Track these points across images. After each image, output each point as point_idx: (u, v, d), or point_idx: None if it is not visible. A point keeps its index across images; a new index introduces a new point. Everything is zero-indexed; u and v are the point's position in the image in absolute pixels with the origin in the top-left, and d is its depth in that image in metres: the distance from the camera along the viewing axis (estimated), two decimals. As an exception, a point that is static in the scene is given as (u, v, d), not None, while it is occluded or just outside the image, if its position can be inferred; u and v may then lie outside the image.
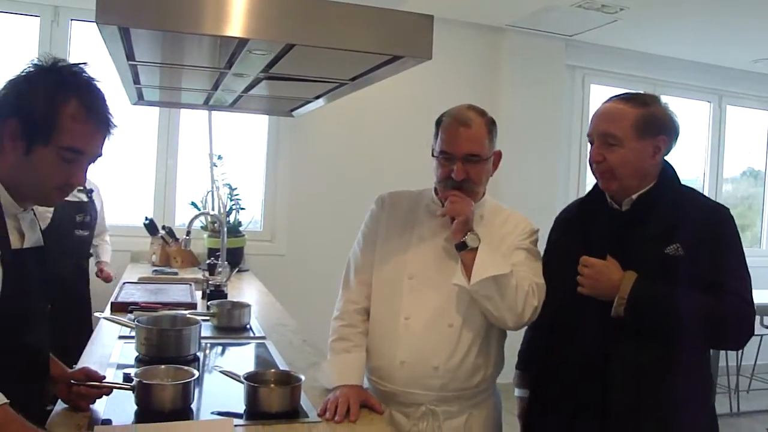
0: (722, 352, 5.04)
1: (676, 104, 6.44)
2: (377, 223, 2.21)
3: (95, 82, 1.56)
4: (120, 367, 2.20)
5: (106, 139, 1.57)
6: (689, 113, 6.50)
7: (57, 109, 1.47)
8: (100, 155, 1.58)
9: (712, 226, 1.93)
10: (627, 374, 1.92)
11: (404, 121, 5.08)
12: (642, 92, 2.07)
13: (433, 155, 2.14)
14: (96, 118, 1.52)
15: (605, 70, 5.97)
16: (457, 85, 5.19)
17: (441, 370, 2.03)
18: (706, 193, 6.35)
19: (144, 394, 1.80)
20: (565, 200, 5.67)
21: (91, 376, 1.83)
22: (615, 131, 1.94)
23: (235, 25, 1.55)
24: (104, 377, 1.87)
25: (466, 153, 2.04)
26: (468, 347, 2.05)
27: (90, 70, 1.58)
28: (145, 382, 1.81)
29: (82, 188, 2.96)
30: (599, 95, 6.01)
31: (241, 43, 1.68)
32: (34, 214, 1.63)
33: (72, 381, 1.80)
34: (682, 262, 1.88)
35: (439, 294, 2.05)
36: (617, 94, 2.05)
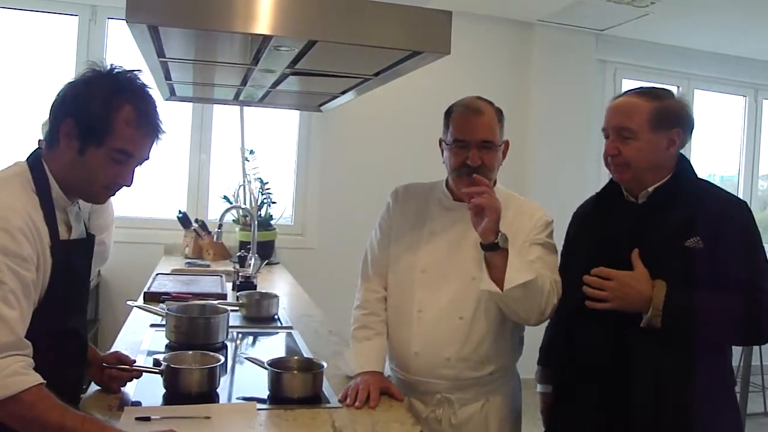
0: (755, 353, 4.96)
1: (709, 99, 6.34)
2: (392, 216, 2.26)
3: (148, 89, 1.65)
4: (150, 353, 2.27)
5: (155, 143, 1.66)
6: (724, 108, 6.43)
7: (112, 114, 1.55)
8: (148, 158, 1.67)
9: (731, 219, 1.93)
10: (646, 368, 1.93)
11: (434, 116, 5.06)
12: (655, 86, 2.09)
13: (442, 146, 2.18)
14: (147, 124, 1.61)
15: (637, 65, 5.91)
16: (487, 80, 5.20)
17: (453, 360, 2.07)
18: (741, 190, 6.35)
19: (172, 378, 1.87)
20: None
21: (122, 360, 1.92)
22: (630, 124, 1.97)
23: (259, 23, 1.61)
24: (134, 361, 1.95)
25: (480, 140, 2.07)
26: (480, 338, 2.08)
27: (143, 77, 1.66)
28: (173, 366, 1.88)
29: None
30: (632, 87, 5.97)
31: (266, 39, 1.74)
32: (79, 207, 1.72)
33: (104, 364, 1.88)
34: (702, 255, 1.88)
35: (450, 287, 2.09)
36: (631, 89, 2.07)
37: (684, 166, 2.05)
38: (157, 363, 1.99)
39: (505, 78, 5.46)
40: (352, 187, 5.18)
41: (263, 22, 1.62)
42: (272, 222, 4.79)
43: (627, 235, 2.00)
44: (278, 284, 3.92)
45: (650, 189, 2.00)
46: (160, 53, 2.02)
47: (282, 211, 5.06)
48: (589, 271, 2.01)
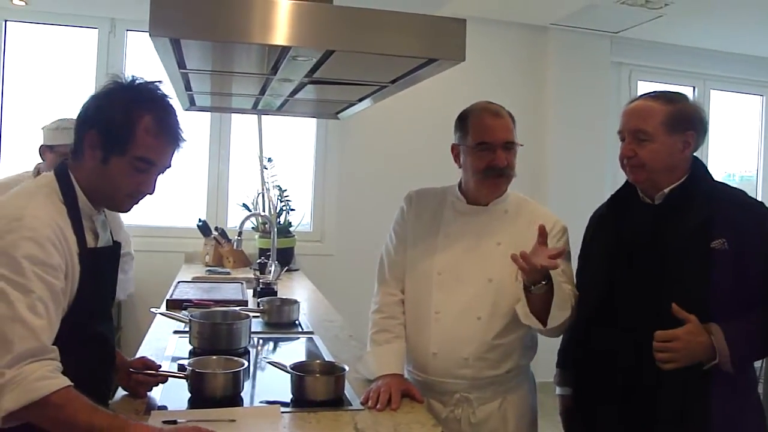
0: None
1: (726, 99, 6.32)
2: (406, 221, 2.30)
3: (168, 99, 1.70)
4: (174, 359, 2.32)
5: (176, 152, 1.70)
6: (740, 107, 6.40)
7: (133, 123, 1.60)
8: (169, 167, 1.71)
9: (755, 221, 1.96)
10: (661, 370, 1.95)
11: (450, 121, 5.11)
12: (670, 90, 2.13)
13: (456, 151, 2.23)
14: (168, 133, 1.66)
15: (652, 66, 5.91)
16: (502, 85, 5.23)
17: (471, 360, 2.11)
18: (759, 190, 6.31)
19: (197, 382, 1.91)
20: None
21: (148, 365, 1.96)
22: (645, 127, 2.00)
23: (278, 34, 1.65)
24: (160, 366, 1.99)
25: (504, 141, 2.12)
26: (496, 338, 2.12)
27: (164, 88, 1.71)
28: (198, 371, 1.92)
29: None
30: (647, 91, 5.96)
31: (285, 50, 1.77)
32: (105, 215, 1.77)
33: (131, 369, 1.93)
34: (728, 257, 1.90)
35: (467, 288, 2.12)
36: (645, 92, 2.11)
37: (699, 168, 2.07)
38: (182, 368, 2.04)
39: (520, 82, 5.48)
40: (369, 193, 5.22)
41: (282, 34, 1.65)
42: (291, 229, 4.84)
43: (643, 235, 2.03)
44: (298, 290, 3.96)
45: (666, 190, 2.03)
46: (181, 65, 2.06)
47: (301, 218, 5.11)
48: (605, 273, 2.04)
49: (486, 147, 2.12)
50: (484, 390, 2.14)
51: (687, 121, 2.01)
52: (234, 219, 5.03)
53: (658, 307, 1.94)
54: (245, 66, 2.14)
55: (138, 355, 2.18)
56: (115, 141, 1.60)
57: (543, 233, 1.95)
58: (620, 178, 6.16)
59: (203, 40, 1.70)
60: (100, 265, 1.68)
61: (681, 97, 2.08)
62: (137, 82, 1.67)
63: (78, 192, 1.64)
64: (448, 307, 2.14)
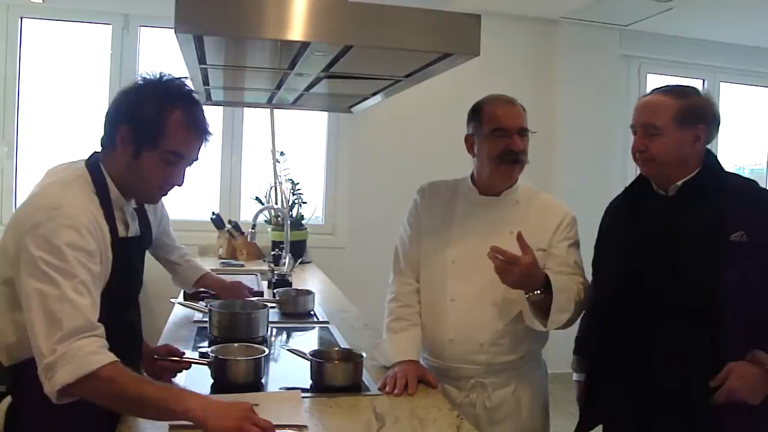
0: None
1: (735, 91, 6.31)
2: (420, 212, 2.35)
3: (195, 95, 1.77)
4: (195, 348, 2.38)
5: (203, 145, 1.77)
6: (750, 99, 6.41)
7: (163, 118, 1.66)
8: (197, 159, 1.78)
9: None
10: (675, 357, 1.99)
11: (461, 114, 5.13)
12: (681, 84, 2.17)
13: (471, 141, 2.28)
14: (196, 127, 1.72)
15: (661, 59, 5.92)
16: (512, 78, 5.25)
17: (486, 345, 2.17)
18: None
19: (220, 369, 1.97)
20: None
21: (172, 351, 2.03)
22: (656, 121, 2.05)
23: (298, 30, 1.70)
24: (184, 353, 2.05)
25: (519, 127, 2.19)
26: (511, 324, 2.18)
27: (190, 84, 1.78)
28: (221, 357, 1.98)
29: None
30: (657, 84, 5.97)
31: (304, 46, 1.82)
32: (135, 206, 1.83)
33: (156, 356, 1.99)
34: (748, 249, 1.94)
35: (481, 276, 2.17)
36: (658, 87, 2.15)
37: (711, 160, 2.12)
38: (204, 355, 2.10)
39: (530, 75, 5.51)
40: (381, 186, 5.26)
41: (302, 30, 1.70)
42: (303, 222, 4.89)
43: (657, 227, 2.07)
44: (311, 282, 4.02)
45: (679, 183, 2.07)
46: (202, 60, 2.12)
47: (313, 212, 5.16)
48: (620, 264, 2.08)
49: (502, 133, 2.18)
50: (498, 375, 2.20)
51: (697, 116, 2.05)
52: (246, 212, 5.09)
53: (673, 298, 1.98)
54: (264, 61, 2.19)
55: (160, 344, 2.25)
56: (147, 135, 1.66)
57: (521, 242, 2.00)
58: (629, 170, 6.22)
59: (226, 37, 1.75)
60: (130, 254, 1.75)
61: (692, 91, 2.12)
62: (165, 78, 1.73)
63: (109, 184, 1.70)
64: (463, 294, 2.20)
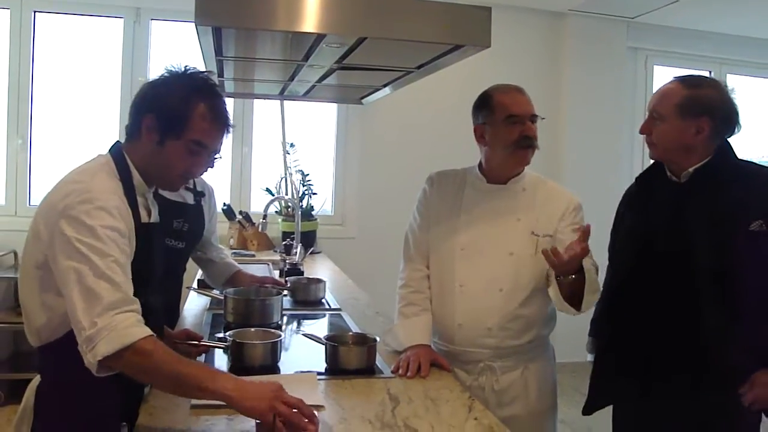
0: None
1: (742, 83, 6.31)
2: (429, 201, 2.41)
3: (217, 88, 1.83)
4: (211, 334, 2.44)
5: (225, 137, 1.83)
6: (757, 91, 6.42)
7: (189, 110, 1.72)
8: (219, 151, 1.84)
9: None
10: (689, 337, 2.04)
11: (468, 106, 5.20)
12: (700, 75, 2.19)
13: (481, 131, 2.32)
14: (220, 119, 1.78)
15: (668, 51, 5.95)
16: (519, 71, 5.27)
17: (495, 329, 2.22)
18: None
19: (237, 352, 2.02)
20: (630, 182, 5.72)
21: (191, 336, 2.09)
22: (660, 108, 2.11)
23: (315, 22, 1.75)
24: (202, 337, 2.11)
25: (531, 113, 2.25)
26: (518, 308, 2.23)
27: (214, 78, 1.85)
28: (238, 341, 2.04)
29: (190, 187, 2.68)
30: (663, 76, 6.01)
31: (319, 37, 1.87)
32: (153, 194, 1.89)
33: (175, 340, 2.05)
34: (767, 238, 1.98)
35: (489, 262, 2.23)
36: (680, 75, 2.17)
37: (725, 150, 2.13)
38: (222, 340, 2.15)
39: (538, 67, 5.55)
40: (390, 177, 5.31)
41: (318, 22, 1.75)
42: (313, 213, 4.95)
43: (669, 212, 2.11)
44: (322, 271, 4.07)
45: (690, 169, 2.11)
46: (218, 52, 2.17)
47: (322, 203, 5.22)
48: (632, 248, 2.14)
49: (516, 119, 2.23)
50: (506, 359, 2.26)
51: (702, 108, 2.06)
52: (257, 203, 5.15)
53: (685, 283, 2.04)
54: (279, 53, 2.25)
55: (178, 329, 2.30)
56: (172, 125, 1.72)
57: (586, 234, 1.99)
58: (636, 160, 6.24)
59: (245, 29, 1.81)
60: (151, 239, 1.80)
61: (706, 82, 2.13)
62: (190, 71, 1.78)
63: (133, 171, 1.76)
64: (472, 280, 2.25)
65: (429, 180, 2.46)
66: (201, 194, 2.78)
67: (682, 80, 2.13)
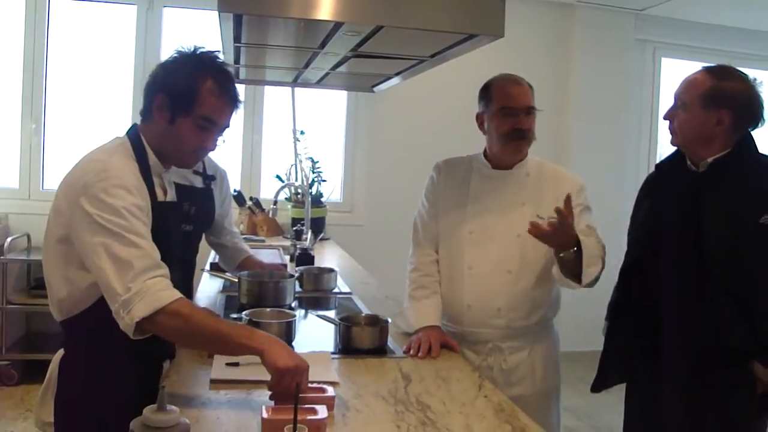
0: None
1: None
2: (436, 188, 2.47)
3: (226, 66, 1.89)
4: (225, 316, 2.49)
5: (234, 112, 1.88)
6: (765, 85, 6.42)
7: (197, 86, 1.78)
8: (228, 126, 1.89)
9: None
10: (699, 320, 2.09)
11: (476, 95, 5.25)
12: (729, 66, 2.18)
13: (481, 120, 2.38)
14: (227, 95, 1.83)
15: (676, 44, 5.98)
16: (527, 62, 5.31)
17: (503, 310, 2.29)
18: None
19: (253, 332, 2.08)
20: (636, 173, 5.76)
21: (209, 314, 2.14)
22: (684, 97, 2.14)
23: (333, 10, 1.79)
24: (219, 316, 2.17)
25: (526, 106, 2.30)
26: (526, 289, 2.30)
27: (221, 56, 1.89)
28: (255, 320, 2.10)
29: (199, 171, 2.53)
30: (671, 69, 6.04)
31: (337, 25, 1.92)
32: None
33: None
34: None
35: (497, 245, 2.30)
36: (709, 65, 2.18)
37: (746, 143, 2.15)
38: (238, 319, 2.21)
39: (546, 59, 5.58)
40: (398, 165, 5.36)
41: (336, 9, 1.79)
42: (322, 200, 5.00)
43: (685, 200, 2.15)
44: (331, 257, 4.14)
45: (709, 159, 2.13)
46: (237, 39, 2.22)
47: (331, 190, 5.27)
48: (650, 233, 2.17)
49: (510, 112, 2.29)
50: (514, 339, 2.32)
51: (724, 100, 2.08)
52: (266, 190, 5.21)
53: (696, 269, 2.08)
54: (296, 40, 2.29)
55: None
56: (181, 102, 1.78)
57: (567, 202, 2.04)
58: (642, 152, 6.25)
59: (266, 16, 1.85)
60: (167, 217, 1.86)
61: (733, 74, 2.13)
62: (199, 51, 1.84)
63: (148, 151, 1.82)
64: (481, 262, 2.32)
65: (436, 168, 2.52)
66: (211, 178, 2.70)
67: (709, 70, 2.15)
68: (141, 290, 1.55)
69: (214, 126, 1.85)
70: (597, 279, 2.17)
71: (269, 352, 1.58)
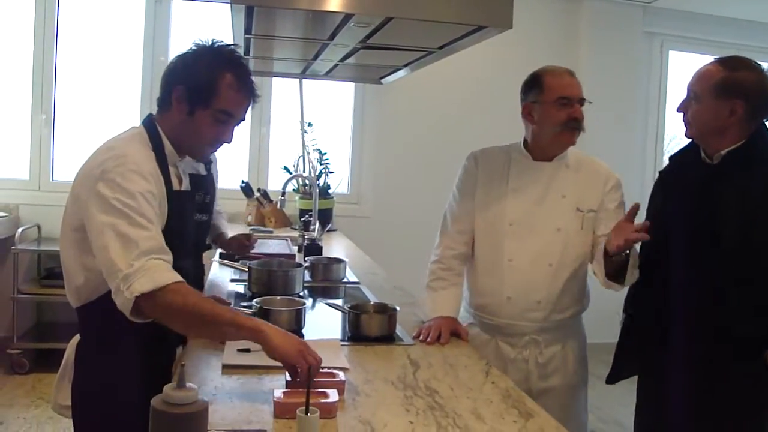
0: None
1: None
2: (473, 178, 2.45)
3: (243, 60, 1.92)
4: (235, 305, 2.53)
5: (250, 106, 1.92)
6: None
7: (217, 80, 1.81)
8: (244, 119, 1.93)
9: None
10: (713, 312, 2.09)
11: (484, 89, 5.28)
12: (742, 57, 2.17)
13: (530, 109, 2.36)
14: (245, 89, 1.87)
15: (684, 36, 5.96)
16: (535, 54, 5.31)
17: (543, 303, 2.32)
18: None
19: (264, 318, 2.07)
20: (643, 166, 5.78)
21: (219, 301, 2.18)
22: (697, 89, 2.14)
23: (343, 1, 1.82)
24: (230, 303, 2.21)
25: (581, 97, 2.34)
26: (565, 284, 2.33)
27: (239, 50, 1.93)
28: (265, 307, 2.13)
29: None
30: (678, 61, 6.04)
31: (347, 17, 1.95)
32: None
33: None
34: None
35: (538, 237, 2.32)
36: (722, 56, 2.18)
37: (761, 134, 2.15)
38: (248, 307, 2.24)
39: (554, 51, 5.56)
40: (405, 157, 5.39)
41: (346, 1, 1.83)
42: (330, 191, 5.03)
43: (698, 192, 2.15)
44: (339, 248, 4.17)
45: (723, 152, 2.14)
46: (248, 30, 2.25)
47: (339, 182, 5.30)
48: (665, 225, 2.18)
49: (566, 101, 2.31)
50: (551, 332, 2.36)
51: (736, 90, 2.07)
52: (274, 181, 5.24)
53: (710, 263, 2.09)
54: (307, 32, 2.32)
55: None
56: (201, 95, 1.81)
57: (634, 211, 2.10)
58: (649, 144, 6.21)
59: (279, 8, 1.88)
60: (183, 206, 1.90)
61: (744, 65, 2.12)
62: (218, 44, 1.86)
63: (164, 140, 1.85)
64: (521, 254, 2.33)
65: (472, 157, 2.50)
66: (210, 161, 2.67)
67: (721, 61, 2.14)
68: (143, 267, 1.57)
69: (232, 119, 1.88)
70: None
71: (268, 334, 1.60)
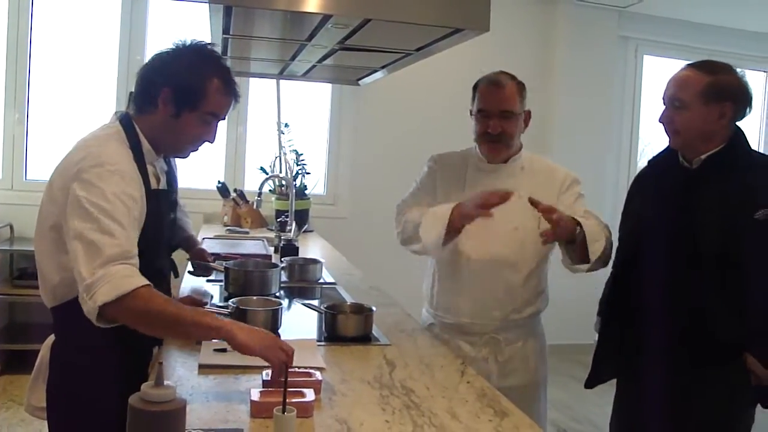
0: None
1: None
2: (434, 177, 2.51)
3: (224, 60, 1.93)
4: (212, 305, 2.51)
5: (233, 106, 1.93)
6: (750, 84, 6.50)
7: (205, 84, 1.82)
8: (224, 118, 1.94)
9: None
10: (690, 316, 2.12)
11: (460, 91, 5.23)
12: (716, 61, 2.20)
13: (471, 115, 2.43)
14: (232, 92, 1.89)
15: (658, 41, 6.05)
16: (510, 57, 5.36)
17: (501, 302, 2.35)
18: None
19: (241, 318, 2.08)
20: (616, 171, 5.84)
21: (196, 301, 2.18)
22: (682, 96, 2.13)
23: (321, 2, 1.83)
24: (206, 303, 2.20)
25: (500, 110, 2.34)
26: (523, 282, 2.36)
27: (217, 50, 1.94)
28: (242, 308, 2.13)
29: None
30: (652, 66, 6.12)
31: (325, 18, 1.95)
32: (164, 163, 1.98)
33: (180, 306, 2.13)
34: None
35: (495, 237, 2.34)
36: (693, 62, 2.20)
37: (739, 137, 2.18)
38: (224, 307, 2.24)
39: (529, 54, 5.63)
40: (382, 158, 5.41)
41: (325, 2, 1.83)
42: (306, 192, 5.03)
43: (678, 197, 2.17)
44: (315, 248, 4.16)
45: (703, 156, 2.16)
46: (226, 31, 2.25)
47: (315, 183, 5.30)
48: (642, 228, 2.21)
49: (485, 114, 2.35)
50: (510, 331, 2.39)
51: (725, 93, 2.10)
52: (251, 182, 5.22)
53: (690, 266, 2.11)
54: (284, 32, 2.33)
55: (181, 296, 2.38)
56: (189, 98, 1.82)
57: (534, 204, 2.12)
58: (624, 148, 6.29)
59: (255, 8, 1.88)
60: (161, 205, 1.90)
61: (724, 68, 2.15)
62: (199, 45, 1.87)
63: (142, 139, 1.85)
64: (479, 254, 2.36)
65: (432, 159, 2.56)
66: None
67: (698, 67, 2.15)
68: (105, 275, 1.56)
69: (216, 119, 1.90)
70: (608, 256, 2.22)
71: (235, 331, 1.59)
